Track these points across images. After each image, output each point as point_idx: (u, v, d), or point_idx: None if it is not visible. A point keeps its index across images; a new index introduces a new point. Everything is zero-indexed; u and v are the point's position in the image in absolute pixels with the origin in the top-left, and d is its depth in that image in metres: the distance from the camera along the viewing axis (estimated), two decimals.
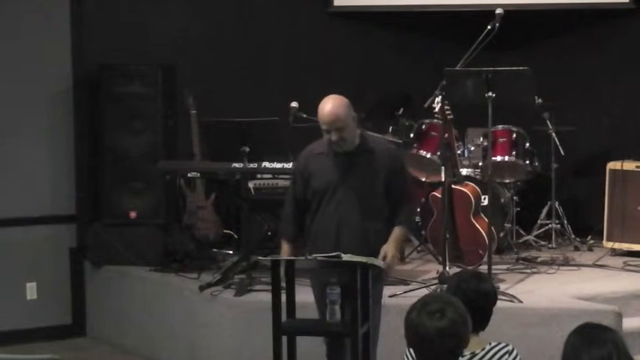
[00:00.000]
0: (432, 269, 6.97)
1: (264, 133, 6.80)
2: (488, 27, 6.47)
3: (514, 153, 7.65)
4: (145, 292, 7.26)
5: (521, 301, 6.10)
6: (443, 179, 6.43)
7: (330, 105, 5.20)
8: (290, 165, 6.77)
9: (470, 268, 6.56)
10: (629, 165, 7.75)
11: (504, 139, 7.66)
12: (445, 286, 4.48)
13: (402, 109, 7.55)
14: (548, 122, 7.97)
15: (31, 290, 7.69)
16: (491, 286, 4.08)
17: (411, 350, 3.65)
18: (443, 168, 6.45)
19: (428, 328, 3.23)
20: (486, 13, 6.70)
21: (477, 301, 3.82)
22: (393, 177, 5.29)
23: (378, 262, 5.15)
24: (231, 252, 7.50)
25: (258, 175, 7.03)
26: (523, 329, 5.90)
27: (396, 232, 5.32)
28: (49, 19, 7.70)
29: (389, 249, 5.25)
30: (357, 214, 5.25)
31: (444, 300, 3.33)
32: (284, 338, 5.12)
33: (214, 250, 7.58)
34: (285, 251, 5.43)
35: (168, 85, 7.67)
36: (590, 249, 7.92)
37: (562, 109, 8.01)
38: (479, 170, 7.57)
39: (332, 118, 5.16)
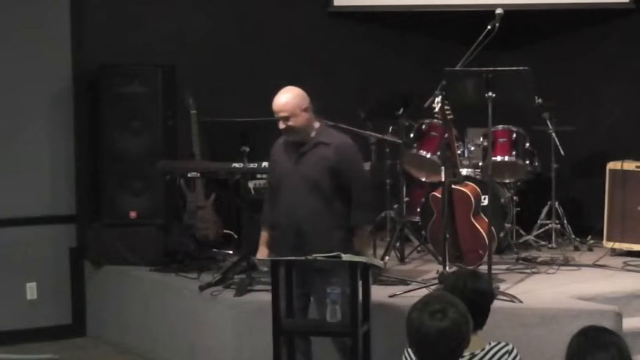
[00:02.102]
0: (432, 269, 6.97)
1: (264, 133, 6.79)
2: (488, 27, 6.46)
3: (514, 153, 7.65)
4: (144, 292, 7.26)
5: (521, 301, 6.09)
6: (443, 179, 6.43)
7: (280, 95, 5.48)
8: None
9: (470, 267, 6.57)
10: (629, 165, 7.75)
11: (504, 139, 7.66)
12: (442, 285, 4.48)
13: (402, 109, 7.54)
14: (548, 122, 7.97)
15: (31, 290, 7.69)
16: (487, 284, 4.08)
17: (410, 350, 3.66)
18: (443, 168, 6.44)
19: (429, 328, 3.23)
20: (486, 13, 6.70)
21: (474, 300, 3.82)
22: (340, 172, 5.41)
23: (377, 262, 5.16)
24: (231, 252, 7.50)
25: (258, 175, 7.01)
26: (523, 329, 5.90)
27: (356, 237, 5.45)
28: (49, 19, 7.70)
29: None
30: (304, 205, 5.40)
31: (445, 300, 3.33)
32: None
33: (214, 250, 7.58)
34: (262, 237, 5.65)
35: (168, 85, 7.67)
36: (590, 249, 7.92)
37: (562, 109, 8.01)
38: (479, 170, 7.57)
39: (277, 108, 5.45)
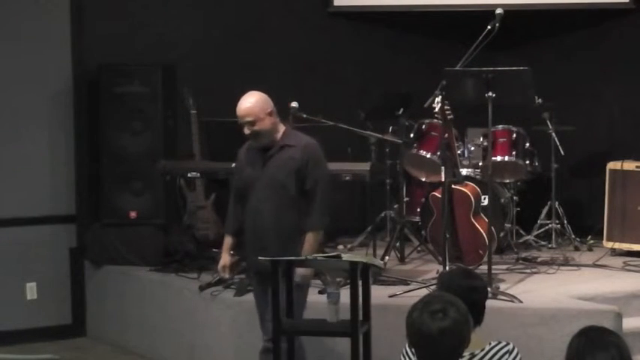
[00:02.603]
0: (432, 269, 6.97)
1: None
2: (488, 27, 6.46)
3: (514, 153, 7.65)
4: (145, 292, 7.26)
5: (521, 301, 6.09)
6: (443, 179, 6.43)
7: (244, 100, 5.39)
8: None
9: (470, 267, 6.57)
10: (629, 165, 7.75)
11: (504, 139, 7.66)
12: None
13: (402, 109, 7.55)
14: (548, 122, 7.97)
15: (31, 290, 7.70)
16: (480, 280, 4.08)
17: (409, 349, 3.66)
18: (443, 168, 6.44)
19: (431, 328, 3.23)
20: (486, 13, 6.70)
21: (469, 296, 3.80)
22: (307, 171, 5.37)
23: (377, 262, 5.15)
24: (231, 252, 7.49)
25: None
26: (523, 329, 5.90)
27: (306, 241, 5.35)
28: (49, 19, 7.70)
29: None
30: (271, 208, 5.36)
31: (445, 300, 3.34)
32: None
33: (214, 250, 7.57)
34: (225, 244, 5.60)
35: (168, 85, 7.67)
36: (590, 249, 7.92)
37: (562, 109, 8.01)
38: (479, 170, 7.57)
39: (242, 113, 5.37)
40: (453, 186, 6.79)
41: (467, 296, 3.72)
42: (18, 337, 7.50)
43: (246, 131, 5.39)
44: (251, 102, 5.38)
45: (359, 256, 5.15)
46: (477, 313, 3.93)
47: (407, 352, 3.70)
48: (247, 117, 5.36)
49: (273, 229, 5.37)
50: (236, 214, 5.60)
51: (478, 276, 4.17)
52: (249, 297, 6.44)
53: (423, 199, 7.49)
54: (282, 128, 5.47)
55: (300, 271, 5.25)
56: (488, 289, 6.07)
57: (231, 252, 5.63)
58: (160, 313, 7.07)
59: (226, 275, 5.77)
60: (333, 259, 5.17)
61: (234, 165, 5.78)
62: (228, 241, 5.64)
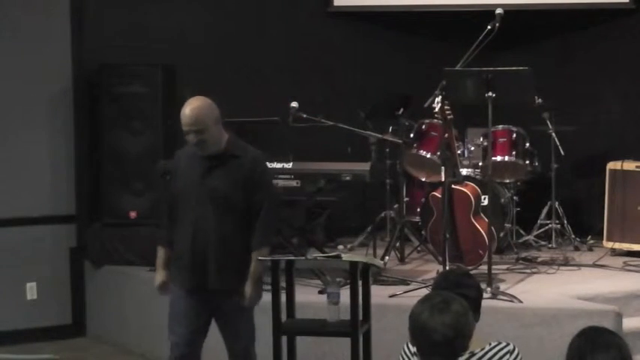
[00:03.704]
0: (432, 269, 6.97)
1: (264, 133, 6.79)
2: (488, 27, 6.47)
3: (514, 153, 7.65)
4: (144, 292, 7.25)
5: (521, 301, 6.09)
6: (443, 179, 6.43)
7: (190, 107, 5.03)
8: (290, 165, 6.78)
9: (470, 267, 6.57)
10: (629, 165, 7.75)
11: (504, 139, 7.66)
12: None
13: (402, 109, 7.55)
14: (548, 122, 7.97)
15: (31, 290, 7.69)
16: (472, 278, 4.09)
17: (408, 349, 3.66)
18: (443, 168, 6.44)
19: (435, 324, 3.25)
20: (486, 13, 6.70)
21: (463, 294, 3.80)
22: (253, 187, 5.02)
23: (377, 262, 5.15)
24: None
25: None
26: (523, 329, 5.90)
27: (253, 264, 5.01)
28: (49, 19, 7.70)
29: (247, 289, 5.01)
30: (212, 221, 4.99)
31: (445, 295, 3.36)
32: (284, 338, 5.12)
33: None
34: (160, 258, 5.17)
35: (168, 85, 7.66)
36: (590, 249, 7.92)
37: (562, 109, 8.01)
38: (479, 170, 7.57)
39: (189, 121, 5.00)
40: (453, 186, 6.79)
41: (461, 294, 3.73)
42: (18, 337, 7.50)
43: (192, 140, 5.00)
44: (198, 110, 5.00)
45: (359, 256, 5.15)
46: (475, 310, 3.93)
47: (406, 352, 3.70)
48: (194, 125, 4.97)
49: (217, 248, 4.99)
50: (170, 224, 5.16)
51: (469, 273, 4.20)
52: None
53: (423, 199, 7.49)
54: (225, 136, 5.11)
55: (248, 293, 5.00)
56: (488, 289, 6.10)
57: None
58: (160, 313, 7.04)
59: (167, 294, 5.21)
60: (333, 259, 5.17)
61: (169, 166, 5.38)
62: (163, 254, 5.19)
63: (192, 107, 5.01)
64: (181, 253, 5.09)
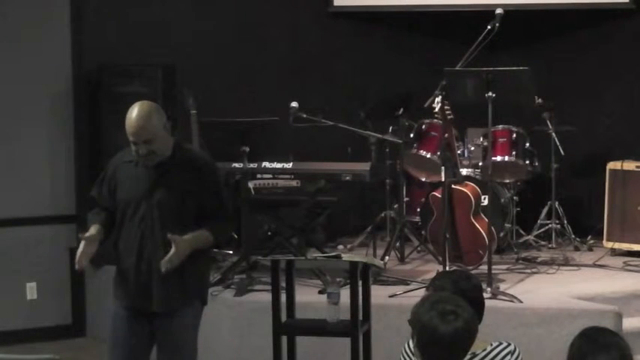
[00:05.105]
0: (432, 269, 6.96)
1: (264, 133, 6.79)
2: (488, 27, 6.47)
3: (514, 153, 7.65)
4: None
5: (521, 301, 6.10)
6: (443, 179, 6.43)
7: (136, 114, 4.56)
8: (290, 165, 6.78)
9: (470, 267, 6.58)
10: (629, 165, 7.75)
11: (504, 139, 7.66)
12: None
13: (402, 109, 7.55)
14: (548, 122, 7.97)
15: (31, 290, 7.69)
16: (475, 278, 4.09)
17: (408, 347, 3.66)
18: (443, 168, 6.44)
19: (445, 329, 3.24)
20: (486, 13, 6.71)
21: (465, 295, 3.80)
22: (207, 194, 4.67)
23: (377, 262, 5.15)
24: (231, 252, 7.49)
25: (258, 175, 7.02)
26: (523, 329, 5.90)
27: (201, 231, 4.65)
28: (49, 19, 7.70)
29: (181, 238, 4.57)
30: (160, 232, 4.60)
31: (453, 300, 3.36)
32: (284, 338, 5.12)
33: (214, 250, 7.57)
34: (95, 232, 4.78)
35: (168, 85, 7.66)
36: (590, 249, 7.92)
37: (562, 109, 8.01)
38: (479, 170, 7.57)
39: (138, 130, 4.53)
40: (453, 186, 6.79)
41: (462, 295, 3.73)
42: (18, 337, 7.49)
43: (141, 151, 4.56)
44: (147, 116, 4.55)
45: (359, 256, 5.15)
46: (479, 311, 3.93)
47: (407, 352, 3.70)
48: (143, 136, 4.53)
49: (164, 254, 4.58)
50: (105, 216, 4.80)
51: (470, 273, 4.20)
52: (250, 297, 6.46)
53: (423, 199, 7.49)
54: (171, 142, 4.71)
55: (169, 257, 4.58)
56: (488, 289, 6.10)
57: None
58: None
59: (83, 264, 4.84)
60: (333, 259, 5.17)
61: (100, 182, 4.87)
62: (94, 229, 4.77)
63: (139, 115, 4.56)
64: (125, 270, 4.82)
